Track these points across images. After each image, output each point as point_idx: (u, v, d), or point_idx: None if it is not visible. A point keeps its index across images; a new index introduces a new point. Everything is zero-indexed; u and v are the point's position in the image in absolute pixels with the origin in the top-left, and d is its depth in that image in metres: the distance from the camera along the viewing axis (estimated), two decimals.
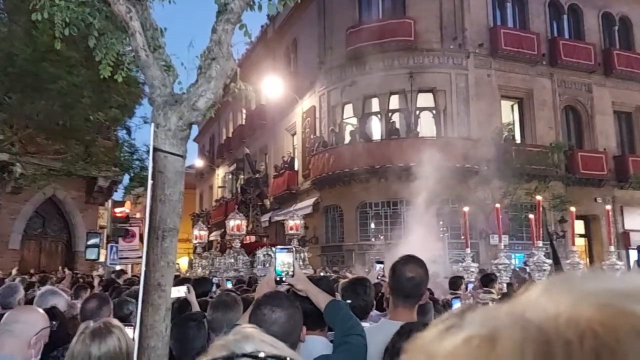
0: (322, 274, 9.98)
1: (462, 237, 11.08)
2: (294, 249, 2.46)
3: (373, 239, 19.48)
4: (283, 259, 2.37)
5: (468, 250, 9.14)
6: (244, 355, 0.86)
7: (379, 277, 4.73)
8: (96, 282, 7.77)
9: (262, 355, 0.86)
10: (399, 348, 1.82)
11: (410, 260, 2.61)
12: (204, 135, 40.44)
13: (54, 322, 2.85)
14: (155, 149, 2.15)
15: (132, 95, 12.70)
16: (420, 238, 14.38)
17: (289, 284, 2.37)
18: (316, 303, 2.36)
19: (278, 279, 2.34)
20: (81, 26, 2.51)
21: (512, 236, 17.17)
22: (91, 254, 12.84)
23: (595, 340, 0.36)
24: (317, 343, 2.41)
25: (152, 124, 2.13)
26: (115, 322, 2.32)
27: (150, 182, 2.10)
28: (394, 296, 2.57)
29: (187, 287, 4.00)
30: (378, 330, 2.40)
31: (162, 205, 2.18)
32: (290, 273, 2.35)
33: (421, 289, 2.56)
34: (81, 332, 2.19)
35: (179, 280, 5.05)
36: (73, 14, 2.45)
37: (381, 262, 4.85)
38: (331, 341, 2.40)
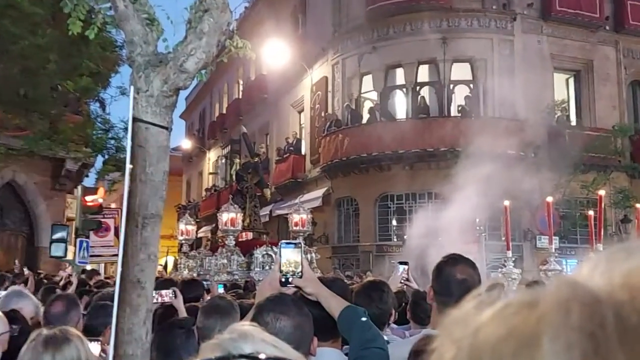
0: None
1: (503, 238, 11.03)
2: (302, 243, 2.46)
3: (395, 239, 19.48)
4: (289, 256, 2.37)
5: (509, 254, 9.09)
6: (242, 356, 0.87)
7: (403, 282, 4.72)
8: (74, 283, 7.84)
9: (262, 357, 0.87)
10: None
11: (460, 259, 2.62)
12: (193, 110, 40.56)
13: (14, 327, 2.89)
14: (135, 119, 2.16)
15: (107, 60, 12.72)
16: (452, 238, 14.34)
17: (297, 286, 2.37)
18: (328, 309, 2.36)
19: (283, 279, 2.34)
20: None
21: (564, 238, 17.07)
22: (57, 250, 12.98)
23: None
24: (330, 356, 2.42)
25: (131, 88, 2.13)
26: (74, 330, 2.34)
27: (128, 158, 2.11)
28: (440, 303, 2.58)
29: (173, 291, 4.04)
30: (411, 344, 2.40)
31: (143, 187, 2.19)
32: (298, 273, 2.35)
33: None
34: (32, 339, 2.20)
35: (160, 282, 5.09)
36: None
37: (405, 263, 4.84)
38: (346, 354, 2.42)
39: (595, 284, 0.41)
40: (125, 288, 2.13)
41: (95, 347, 2.30)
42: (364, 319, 2.37)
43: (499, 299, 0.45)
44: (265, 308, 2.04)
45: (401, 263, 4.95)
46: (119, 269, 2.11)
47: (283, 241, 2.51)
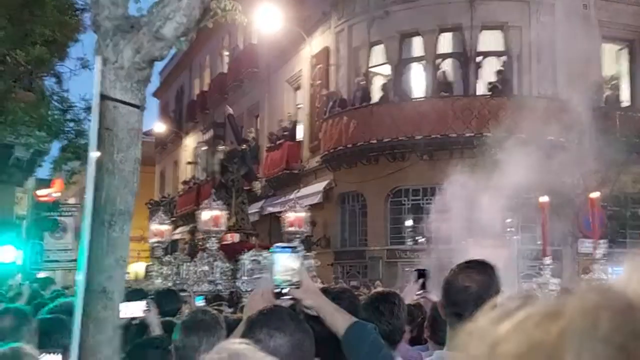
0: None
1: (539, 242, 11.03)
2: (300, 248, 2.48)
3: (409, 242, 19.48)
4: (285, 263, 2.39)
5: (547, 260, 9.12)
6: None
7: (419, 294, 4.74)
8: (25, 293, 7.87)
9: None
10: None
11: (467, 265, 2.64)
12: (168, 87, 40.51)
13: None
14: (102, 96, 2.16)
15: (65, 26, 12.69)
16: (478, 242, 14.34)
17: (294, 298, 2.39)
18: (332, 326, 2.38)
19: (278, 290, 2.36)
20: None
21: (612, 241, 17.06)
22: (4, 255, 13.01)
23: None
24: None
25: (97, 59, 2.13)
26: (28, 348, 2.35)
27: (93, 143, 2.11)
28: (449, 317, 2.63)
29: (147, 304, 4.06)
30: None
31: (110, 178, 2.20)
32: (295, 282, 2.37)
33: (482, 304, 2.58)
34: None
35: (130, 293, 5.11)
36: None
37: (423, 271, 4.86)
38: None
39: (632, 290, 0.41)
40: (89, 299, 2.14)
41: None
42: (374, 337, 2.38)
43: (520, 310, 0.46)
44: (258, 323, 2.04)
45: (418, 271, 4.97)
46: (81, 277, 2.11)
47: (277, 245, 2.53)
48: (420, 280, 4.86)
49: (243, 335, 2.03)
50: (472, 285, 2.55)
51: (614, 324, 0.39)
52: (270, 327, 2.01)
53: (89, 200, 2.16)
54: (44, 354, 2.50)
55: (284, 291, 2.36)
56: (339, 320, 2.38)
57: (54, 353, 2.42)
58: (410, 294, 4.80)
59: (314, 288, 2.50)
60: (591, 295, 0.42)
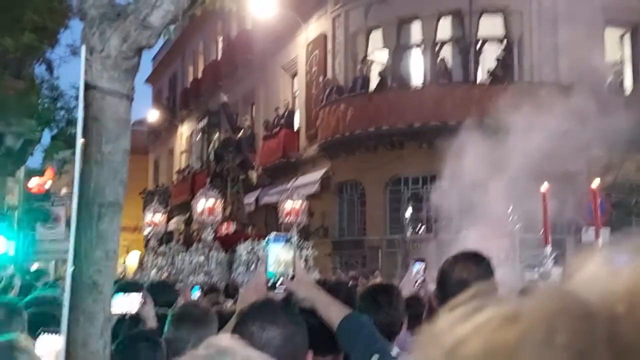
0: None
1: (541, 231, 11.05)
2: (294, 238, 2.49)
3: (409, 232, 19.50)
4: (279, 254, 2.40)
5: (549, 249, 9.16)
6: None
7: (418, 284, 4.78)
8: (17, 285, 7.90)
9: None
10: None
11: (463, 256, 2.66)
12: (161, 74, 40.44)
13: None
14: (88, 86, 2.16)
15: (54, 13, 12.67)
16: (478, 231, 14.38)
17: (288, 290, 2.40)
18: (326, 318, 2.40)
19: (271, 282, 2.37)
20: None
21: (616, 230, 17.12)
22: None
23: None
24: None
25: (83, 48, 2.13)
26: (23, 340, 2.36)
27: (79, 133, 2.11)
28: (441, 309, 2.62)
29: (143, 296, 4.06)
30: None
31: (99, 169, 2.20)
32: (290, 274, 2.38)
33: None
34: None
35: (121, 286, 5.11)
36: None
37: (421, 261, 4.91)
38: None
39: (595, 291, 0.40)
40: (77, 292, 2.15)
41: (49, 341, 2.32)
42: (369, 329, 2.39)
43: (481, 311, 0.45)
44: (250, 316, 2.06)
45: (417, 261, 5.00)
46: (69, 270, 2.12)
47: (272, 235, 2.54)
48: (419, 269, 4.90)
49: (235, 329, 2.05)
50: (469, 277, 2.55)
51: (572, 331, 0.39)
52: (262, 320, 2.03)
53: (76, 191, 2.17)
54: (44, 334, 2.51)
55: (277, 283, 2.37)
56: (333, 312, 2.40)
57: (55, 333, 2.43)
58: (409, 284, 4.83)
59: (308, 279, 2.52)
60: (550, 299, 0.42)
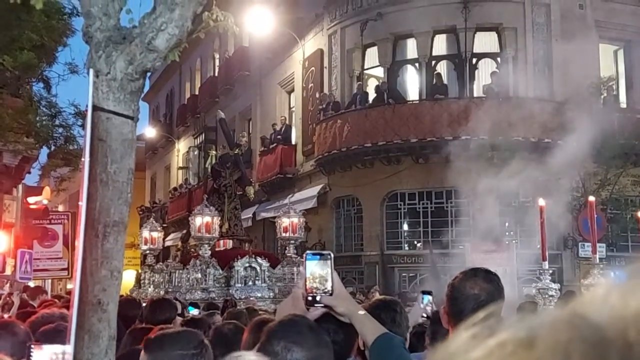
0: None
1: (538, 246, 11.06)
2: (330, 255, 2.50)
3: (406, 247, 19.52)
4: (315, 270, 2.42)
5: (546, 265, 9.17)
6: None
7: (424, 317, 4.82)
8: (16, 303, 7.88)
9: None
10: None
11: (474, 272, 2.68)
12: (158, 91, 40.50)
13: None
14: (95, 108, 2.20)
15: (52, 31, 12.69)
16: (476, 246, 14.42)
17: (326, 306, 2.42)
18: (361, 334, 2.43)
19: (310, 298, 2.39)
20: None
21: (612, 245, 17.15)
22: None
23: None
24: None
25: (91, 72, 2.17)
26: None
27: (87, 154, 2.15)
28: (453, 326, 2.64)
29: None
30: None
31: (104, 189, 2.24)
32: (327, 290, 2.40)
33: None
34: None
35: (123, 302, 5.15)
36: None
37: (429, 293, 4.93)
38: None
39: (606, 316, 0.41)
40: (82, 311, 2.17)
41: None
42: (400, 351, 2.42)
43: (494, 335, 0.45)
44: (276, 335, 2.06)
45: (425, 293, 4.98)
46: (77, 289, 2.14)
47: (308, 252, 2.55)
48: (428, 302, 4.88)
49: (260, 347, 2.06)
50: (481, 294, 2.57)
51: (587, 358, 0.40)
52: (287, 340, 2.03)
53: (83, 211, 2.19)
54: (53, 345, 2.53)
55: (316, 299, 2.39)
56: (369, 329, 2.42)
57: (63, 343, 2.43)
58: (416, 315, 4.83)
59: (346, 295, 2.53)
60: (564, 326, 0.42)
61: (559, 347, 0.41)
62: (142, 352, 2.35)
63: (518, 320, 0.46)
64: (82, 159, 2.24)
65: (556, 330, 0.42)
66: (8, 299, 9.23)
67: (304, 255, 2.51)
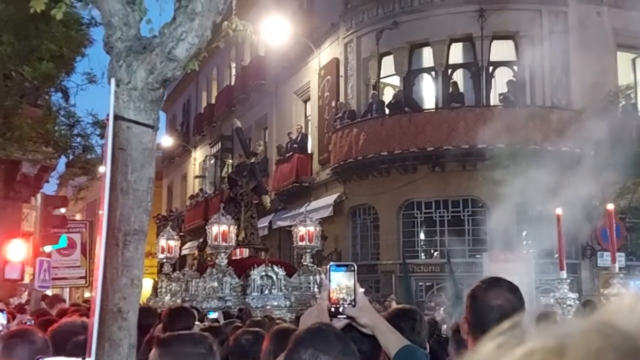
0: None
1: (556, 255, 10.99)
2: (354, 267, 2.51)
3: (422, 256, 19.45)
4: (340, 282, 2.43)
5: (564, 274, 9.11)
6: None
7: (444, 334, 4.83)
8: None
9: None
10: None
11: (496, 282, 2.67)
12: (175, 100, 40.72)
13: None
14: (116, 117, 2.21)
15: (71, 41, 12.80)
16: (493, 256, 14.34)
17: (350, 317, 2.43)
18: (384, 346, 2.43)
19: (334, 309, 2.40)
20: None
21: (632, 254, 16.98)
22: (12, 272, 13.06)
23: None
24: None
25: (112, 81, 2.19)
26: None
27: (108, 163, 2.16)
28: (475, 337, 2.63)
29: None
30: None
31: (125, 198, 2.25)
32: (351, 301, 2.42)
33: None
34: None
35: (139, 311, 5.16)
36: None
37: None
38: None
39: (635, 325, 0.41)
40: (103, 319, 2.18)
41: None
42: None
43: (522, 344, 0.45)
44: (303, 342, 2.07)
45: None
46: (98, 298, 2.15)
47: (332, 263, 2.58)
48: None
49: (287, 354, 2.07)
50: (505, 304, 2.56)
51: None
52: (315, 348, 2.03)
53: (105, 219, 2.21)
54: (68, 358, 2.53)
55: (339, 310, 2.40)
56: (392, 340, 2.43)
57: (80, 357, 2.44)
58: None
59: (369, 306, 2.53)
60: (595, 335, 0.42)
61: (590, 355, 0.41)
62: (153, 350, 2.37)
63: (544, 330, 0.46)
64: (101, 168, 2.25)
65: (587, 338, 0.42)
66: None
67: (328, 266, 2.51)
